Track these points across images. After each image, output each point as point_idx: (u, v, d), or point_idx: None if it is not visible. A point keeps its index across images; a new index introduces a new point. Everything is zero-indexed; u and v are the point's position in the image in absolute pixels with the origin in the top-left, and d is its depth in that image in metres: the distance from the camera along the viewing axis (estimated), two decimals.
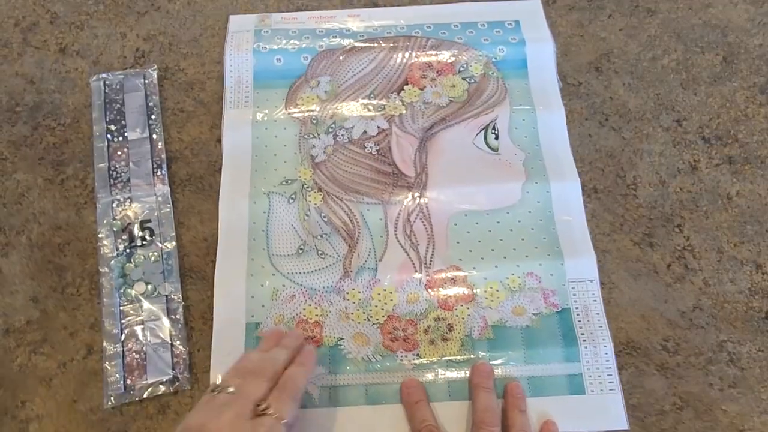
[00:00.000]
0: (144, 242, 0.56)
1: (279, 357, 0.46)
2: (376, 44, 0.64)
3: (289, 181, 0.58)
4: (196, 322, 0.54)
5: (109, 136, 0.60)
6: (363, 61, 0.63)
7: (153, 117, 0.61)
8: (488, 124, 0.60)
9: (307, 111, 0.61)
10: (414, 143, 0.60)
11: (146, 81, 0.63)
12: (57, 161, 0.60)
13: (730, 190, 0.59)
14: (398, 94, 0.62)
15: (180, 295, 0.54)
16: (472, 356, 0.52)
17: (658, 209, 0.58)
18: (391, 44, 0.64)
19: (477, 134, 0.60)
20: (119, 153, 0.60)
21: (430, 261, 0.55)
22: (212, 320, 0.54)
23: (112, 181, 0.58)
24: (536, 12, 0.66)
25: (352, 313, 0.53)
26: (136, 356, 0.52)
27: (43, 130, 0.61)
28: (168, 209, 0.57)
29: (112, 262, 0.55)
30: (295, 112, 0.61)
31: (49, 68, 0.64)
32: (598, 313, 0.53)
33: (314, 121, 0.61)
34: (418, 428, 0.47)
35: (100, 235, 0.56)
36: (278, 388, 0.43)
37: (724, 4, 0.67)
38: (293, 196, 0.58)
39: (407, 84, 0.62)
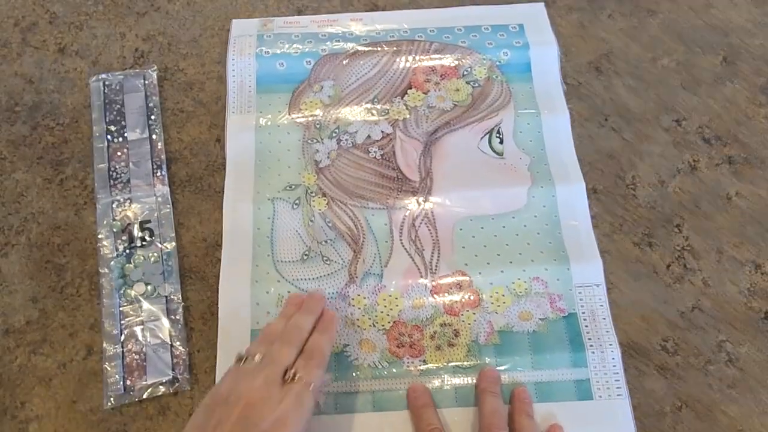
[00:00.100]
0: (144, 243, 0.56)
1: (303, 324, 0.47)
2: (379, 48, 0.64)
3: (293, 187, 0.58)
4: (195, 323, 0.54)
5: (108, 136, 0.60)
6: (366, 65, 0.63)
7: (153, 117, 0.61)
8: (493, 128, 0.60)
9: (311, 115, 0.61)
10: (418, 148, 0.60)
11: (146, 81, 0.62)
12: (56, 161, 0.60)
13: (730, 190, 0.59)
14: (402, 99, 0.62)
15: (180, 296, 0.54)
16: (478, 362, 0.52)
17: (658, 210, 0.58)
18: (395, 48, 0.64)
19: (481, 138, 0.60)
20: (119, 153, 0.60)
21: (436, 266, 0.55)
22: (212, 321, 0.54)
23: (111, 181, 0.58)
24: (540, 15, 0.66)
25: (358, 319, 0.53)
26: (136, 357, 0.52)
27: (42, 130, 0.61)
28: (168, 210, 0.57)
29: (112, 262, 0.55)
30: (298, 117, 0.61)
31: (49, 68, 0.64)
32: (604, 318, 0.53)
33: (318, 126, 0.60)
34: (424, 430, 0.47)
35: (99, 236, 0.56)
36: (304, 356, 0.44)
37: (724, 4, 0.67)
38: (297, 201, 0.58)
39: (411, 88, 0.62)
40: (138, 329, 0.53)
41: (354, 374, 0.51)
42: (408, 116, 0.61)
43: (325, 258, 0.55)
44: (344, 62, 0.63)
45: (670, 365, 0.52)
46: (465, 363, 0.52)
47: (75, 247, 0.57)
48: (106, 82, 0.62)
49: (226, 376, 0.44)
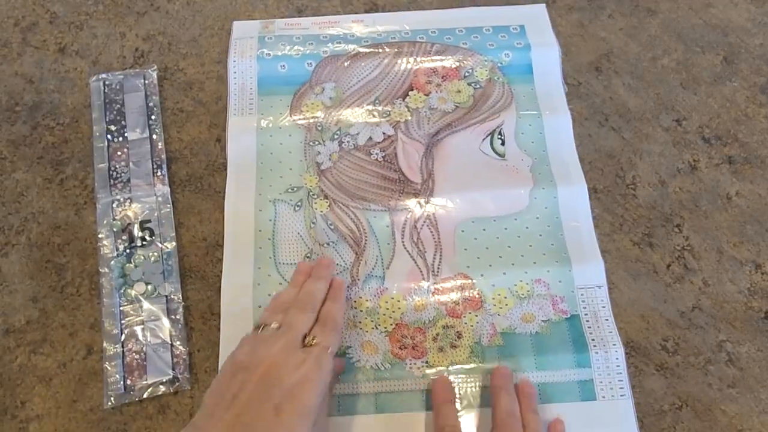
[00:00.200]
0: (144, 242, 0.56)
1: (316, 290, 0.48)
2: (380, 50, 0.64)
3: (295, 189, 0.58)
4: (196, 323, 0.54)
5: (109, 136, 0.60)
6: (368, 67, 0.63)
7: (153, 117, 0.61)
8: (494, 130, 0.60)
9: (312, 118, 0.61)
10: (420, 149, 0.60)
11: (146, 81, 0.62)
12: (56, 161, 0.60)
13: (729, 190, 0.59)
14: (403, 100, 0.62)
15: (180, 296, 0.54)
16: (481, 364, 0.52)
17: (658, 209, 0.58)
18: (396, 50, 0.64)
19: (483, 140, 0.60)
20: (119, 153, 0.60)
21: (438, 268, 0.55)
22: (212, 320, 0.54)
23: (112, 181, 0.58)
24: (541, 16, 0.66)
25: (360, 322, 0.53)
26: (136, 356, 0.52)
27: (43, 129, 0.61)
28: (168, 209, 0.57)
29: (112, 262, 0.55)
30: (299, 119, 0.61)
31: (49, 68, 0.64)
32: (607, 319, 0.53)
33: (319, 128, 0.60)
34: (442, 427, 0.47)
35: (100, 236, 0.56)
36: (320, 323, 0.46)
37: (724, 4, 0.67)
38: (299, 203, 0.58)
39: (412, 90, 0.62)
40: (138, 329, 0.53)
41: (356, 376, 0.51)
42: (409, 118, 0.61)
43: None
44: (345, 64, 0.63)
45: (670, 365, 0.52)
46: (468, 365, 0.52)
47: (75, 247, 0.57)
48: (106, 82, 0.63)
49: (242, 345, 0.45)
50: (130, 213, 0.57)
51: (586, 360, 0.51)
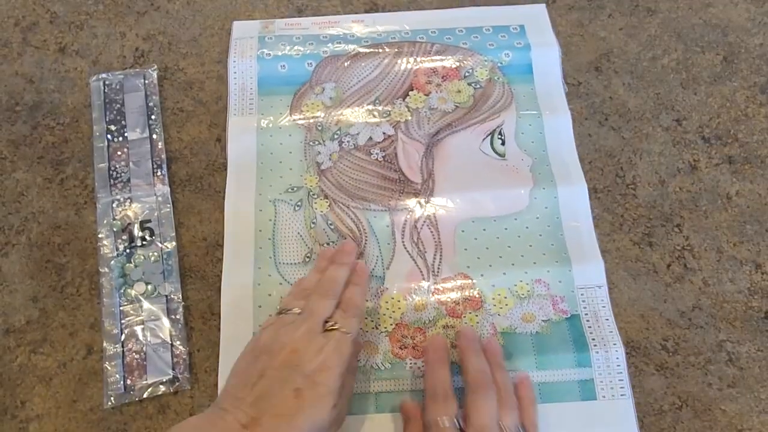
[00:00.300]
0: (144, 242, 0.56)
1: (338, 276, 0.49)
2: (380, 50, 0.64)
3: (295, 189, 0.58)
4: (196, 322, 0.54)
5: (109, 136, 0.60)
6: (368, 67, 0.63)
7: (153, 117, 0.61)
8: (494, 130, 0.60)
9: (312, 117, 0.61)
10: (420, 149, 0.60)
11: (146, 81, 0.62)
12: (56, 161, 0.60)
13: (729, 189, 0.59)
14: (403, 100, 0.62)
15: (180, 295, 0.54)
16: None
17: (658, 209, 0.58)
18: (396, 50, 0.64)
19: (483, 140, 0.60)
20: (119, 153, 0.60)
21: (438, 268, 0.55)
22: (212, 320, 0.54)
23: (112, 181, 0.58)
24: (541, 16, 0.66)
25: None
26: (136, 356, 0.52)
27: (43, 129, 0.61)
28: (168, 209, 0.57)
29: (112, 262, 0.55)
30: (299, 119, 0.61)
31: (49, 68, 0.64)
32: (607, 319, 0.53)
33: (319, 128, 0.60)
34: (433, 387, 0.47)
35: (100, 235, 0.56)
36: (341, 308, 0.47)
37: (724, 3, 0.67)
38: (299, 203, 0.58)
39: (412, 90, 0.62)
40: (138, 329, 0.53)
41: (357, 376, 0.51)
42: (409, 118, 0.61)
43: None
44: (345, 64, 0.63)
45: (670, 364, 0.52)
46: None
47: (75, 247, 0.57)
48: (107, 82, 0.63)
49: (265, 329, 0.46)
50: (130, 213, 0.57)
51: (587, 360, 0.51)
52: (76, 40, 0.66)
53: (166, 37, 0.66)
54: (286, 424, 0.40)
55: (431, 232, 0.56)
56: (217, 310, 0.53)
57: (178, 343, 0.53)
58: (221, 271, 0.55)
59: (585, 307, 0.53)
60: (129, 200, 0.58)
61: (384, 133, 0.60)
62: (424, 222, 0.57)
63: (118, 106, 0.62)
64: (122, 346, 0.52)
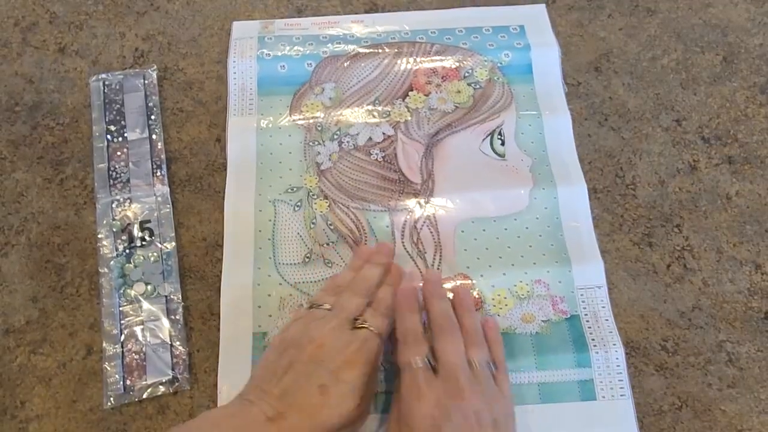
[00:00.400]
0: (144, 242, 0.56)
1: (372, 276, 0.49)
2: (380, 50, 0.64)
3: (295, 189, 0.58)
4: (195, 323, 0.54)
5: (108, 136, 0.60)
6: (367, 68, 0.63)
7: (153, 117, 0.61)
8: (494, 130, 0.60)
9: (312, 118, 0.61)
10: (420, 150, 0.60)
11: (146, 81, 0.62)
12: (56, 161, 0.60)
13: (729, 190, 0.59)
14: (403, 101, 0.62)
15: (180, 296, 0.54)
16: None
17: (658, 209, 0.58)
18: (396, 50, 0.64)
19: (483, 140, 0.60)
20: (119, 153, 0.60)
21: (438, 269, 0.55)
22: (212, 321, 0.54)
23: (111, 181, 0.58)
24: (541, 16, 0.66)
25: None
26: (136, 357, 0.52)
27: (42, 129, 0.61)
28: (168, 209, 0.57)
29: (112, 262, 0.55)
30: (299, 119, 0.61)
31: (49, 68, 0.64)
32: (607, 319, 0.53)
33: (319, 128, 0.60)
34: (404, 333, 0.47)
35: (99, 236, 0.56)
36: (372, 307, 0.47)
37: (724, 3, 0.67)
38: (299, 203, 0.57)
39: (412, 90, 0.62)
40: (138, 329, 0.53)
41: None
42: (409, 118, 0.61)
43: (326, 261, 0.55)
44: (345, 64, 0.63)
45: (669, 365, 0.52)
46: None
47: (75, 247, 0.57)
48: (106, 82, 0.63)
49: (294, 322, 0.47)
50: (129, 213, 0.57)
51: (586, 360, 0.51)
52: (75, 40, 0.66)
53: (166, 37, 0.66)
54: (310, 420, 0.41)
55: (431, 232, 0.56)
56: (217, 310, 0.53)
57: (178, 343, 0.53)
58: (221, 272, 0.55)
59: (585, 308, 0.53)
60: (129, 200, 0.58)
61: (384, 134, 0.60)
62: (424, 222, 0.57)
63: (118, 106, 0.61)
64: (122, 347, 0.52)
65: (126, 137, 0.60)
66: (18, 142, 0.61)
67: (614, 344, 0.52)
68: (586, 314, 0.53)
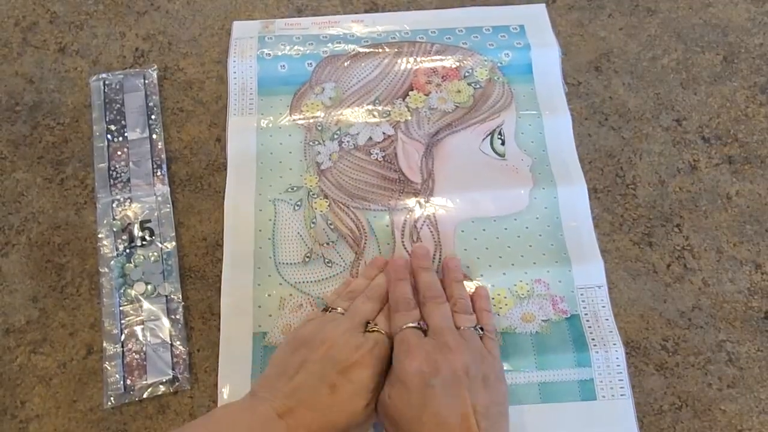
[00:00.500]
0: (144, 242, 0.56)
1: (386, 284, 0.51)
2: (380, 50, 0.64)
3: (295, 188, 0.58)
4: (195, 322, 0.54)
5: (109, 136, 0.60)
6: (368, 67, 0.63)
7: (153, 117, 0.61)
8: (494, 130, 0.60)
9: (312, 117, 0.61)
10: (420, 149, 0.60)
11: (146, 81, 0.62)
12: (56, 161, 0.60)
13: (729, 189, 0.59)
14: (403, 100, 0.62)
15: (180, 295, 0.54)
16: None
17: (658, 209, 0.58)
18: (396, 50, 0.64)
19: (483, 140, 0.60)
20: (119, 153, 0.60)
21: (437, 269, 0.55)
22: (212, 320, 0.54)
23: (112, 181, 0.58)
24: (541, 16, 0.66)
25: None
26: (136, 356, 0.52)
27: (43, 129, 0.61)
28: (168, 209, 0.57)
29: (112, 262, 0.55)
30: (299, 119, 0.61)
31: (49, 68, 0.64)
32: (607, 319, 0.53)
33: (319, 128, 0.60)
34: (396, 300, 0.49)
35: (99, 235, 0.56)
36: (384, 312, 0.49)
37: (724, 3, 0.67)
38: (299, 203, 0.57)
39: (412, 90, 0.62)
40: (138, 329, 0.53)
41: None
42: (409, 118, 0.61)
43: (326, 260, 0.55)
44: (345, 64, 0.63)
45: (669, 364, 0.52)
46: None
47: (75, 247, 0.57)
48: (107, 82, 0.63)
49: (308, 323, 0.48)
50: (130, 213, 0.57)
51: (587, 359, 0.51)
52: (76, 40, 0.66)
53: (166, 37, 0.66)
54: (320, 417, 0.42)
55: (431, 231, 0.56)
56: (217, 310, 0.53)
57: (178, 343, 0.53)
58: (221, 271, 0.55)
59: (585, 307, 0.53)
60: (129, 200, 0.58)
61: (384, 133, 0.60)
62: (424, 222, 0.57)
63: (118, 106, 0.62)
64: (122, 346, 0.52)
65: (126, 137, 0.60)
66: (18, 142, 0.61)
67: (614, 344, 0.52)
68: (586, 314, 0.53)
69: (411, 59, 0.63)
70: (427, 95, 0.62)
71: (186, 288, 0.55)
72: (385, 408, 0.44)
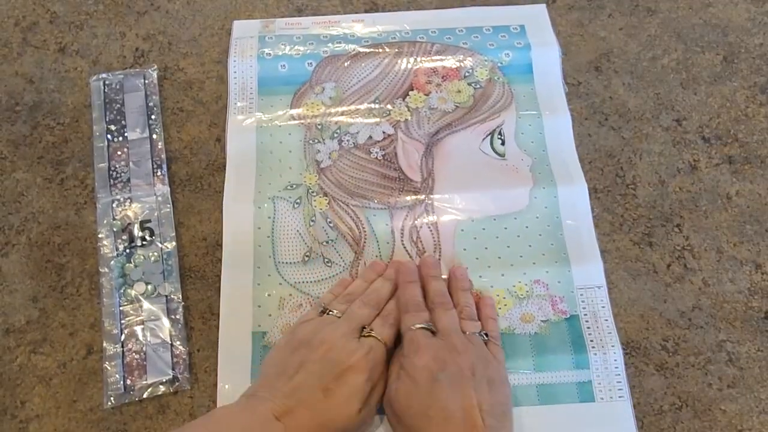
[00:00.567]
0: (144, 242, 0.56)
1: (383, 289, 0.51)
2: (380, 50, 0.64)
3: (294, 186, 0.58)
4: (195, 322, 0.54)
5: (109, 136, 0.60)
6: (368, 67, 0.63)
7: (153, 117, 0.61)
8: (494, 130, 0.60)
9: (312, 117, 0.61)
10: (420, 149, 0.60)
11: (146, 81, 0.62)
12: (56, 161, 0.60)
13: (729, 189, 0.59)
14: (403, 100, 0.62)
15: (180, 295, 0.54)
16: None
17: (658, 209, 0.58)
18: (396, 50, 0.64)
19: (483, 139, 0.60)
20: (119, 153, 0.60)
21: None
22: (212, 320, 0.54)
23: (112, 181, 0.58)
24: (541, 16, 0.66)
25: None
26: (136, 356, 0.52)
27: (43, 129, 0.61)
28: (168, 209, 0.57)
29: (112, 262, 0.55)
30: (299, 118, 0.61)
31: (49, 68, 0.64)
32: (606, 320, 0.53)
33: (319, 127, 0.60)
34: (405, 303, 0.50)
35: (100, 235, 0.56)
36: (381, 317, 0.50)
37: (724, 3, 0.67)
38: (298, 200, 0.57)
39: (412, 90, 0.62)
40: (138, 329, 0.53)
41: None
42: (409, 118, 0.61)
43: (326, 260, 0.55)
44: (346, 64, 0.63)
45: (669, 364, 0.52)
46: None
47: (75, 247, 0.57)
48: (107, 82, 0.63)
49: (304, 324, 0.49)
50: (130, 213, 0.57)
51: (585, 361, 0.51)
52: (76, 40, 0.66)
53: (166, 37, 0.66)
54: (315, 419, 0.43)
55: (430, 231, 0.56)
56: (217, 310, 0.53)
57: (178, 343, 0.53)
58: (221, 271, 0.55)
59: (584, 308, 0.53)
60: (129, 200, 0.58)
61: (384, 132, 0.60)
62: (424, 221, 0.57)
63: (118, 106, 0.62)
64: (122, 346, 0.52)
65: (126, 137, 0.60)
66: (18, 142, 0.61)
67: (612, 346, 0.52)
68: (585, 314, 0.53)
69: (411, 59, 0.63)
70: (427, 95, 0.62)
71: (186, 288, 0.55)
72: (392, 402, 0.45)
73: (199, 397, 0.52)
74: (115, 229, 0.57)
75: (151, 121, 0.61)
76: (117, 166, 0.59)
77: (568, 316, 0.53)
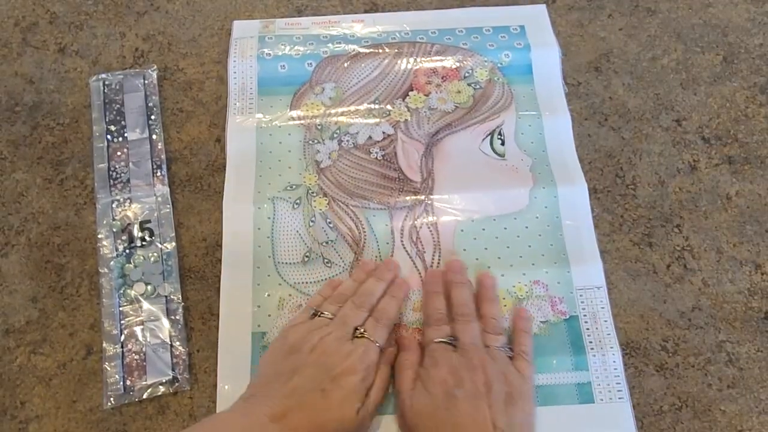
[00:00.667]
0: (144, 243, 0.56)
1: (375, 290, 0.51)
2: (380, 50, 0.64)
3: (294, 186, 0.58)
4: (195, 323, 0.54)
5: (108, 136, 0.60)
6: (368, 68, 0.63)
7: (153, 117, 0.61)
8: (494, 130, 0.60)
9: (312, 117, 0.61)
10: (420, 149, 0.60)
11: (146, 81, 0.62)
12: (56, 161, 0.60)
13: (729, 190, 0.59)
14: (403, 100, 0.62)
15: (180, 296, 0.54)
16: None
17: (658, 209, 0.58)
18: (396, 50, 0.64)
19: (483, 140, 0.60)
20: (119, 153, 0.60)
21: (437, 268, 0.55)
22: (212, 321, 0.54)
23: (111, 181, 0.58)
24: (541, 17, 0.66)
25: None
26: (136, 357, 0.52)
27: (42, 129, 0.61)
28: (168, 210, 0.57)
29: (112, 262, 0.55)
30: (299, 119, 0.61)
31: (49, 68, 0.64)
32: (606, 321, 0.53)
33: (319, 127, 0.60)
34: (430, 314, 0.50)
35: (99, 236, 0.56)
36: (374, 317, 0.49)
37: (724, 3, 0.67)
38: (298, 201, 0.57)
39: (412, 90, 0.62)
40: (138, 329, 0.53)
41: None
42: (409, 118, 0.61)
43: (326, 260, 0.55)
44: (345, 64, 0.63)
45: (669, 365, 0.52)
46: None
47: (75, 247, 0.57)
48: (106, 82, 0.63)
49: (295, 327, 0.49)
50: (129, 213, 0.57)
51: (584, 363, 0.51)
52: (75, 41, 0.66)
53: (166, 37, 0.66)
54: (311, 421, 0.43)
55: (430, 231, 0.56)
56: (217, 310, 0.53)
57: (178, 343, 0.53)
58: (221, 272, 0.55)
59: (584, 309, 0.53)
60: (129, 200, 0.58)
61: (383, 132, 0.60)
62: (424, 221, 0.57)
63: (118, 106, 0.61)
64: (122, 347, 0.52)
65: (126, 137, 0.60)
66: (18, 142, 0.61)
67: (612, 347, 0.52)
68: (585, 315, 0.53)
69: (411, 59, 0.63)
70: (427, 95, 0.62)
71: (186, 288, 0.55)
72: (405, 414, 0.46)
73: (198, 397, 0.52)
74: (114, 230, 0.57)
75: (150, 122, 0.61)
76: (117, 166, 0.59)
77: (568, 316, 0.53)
